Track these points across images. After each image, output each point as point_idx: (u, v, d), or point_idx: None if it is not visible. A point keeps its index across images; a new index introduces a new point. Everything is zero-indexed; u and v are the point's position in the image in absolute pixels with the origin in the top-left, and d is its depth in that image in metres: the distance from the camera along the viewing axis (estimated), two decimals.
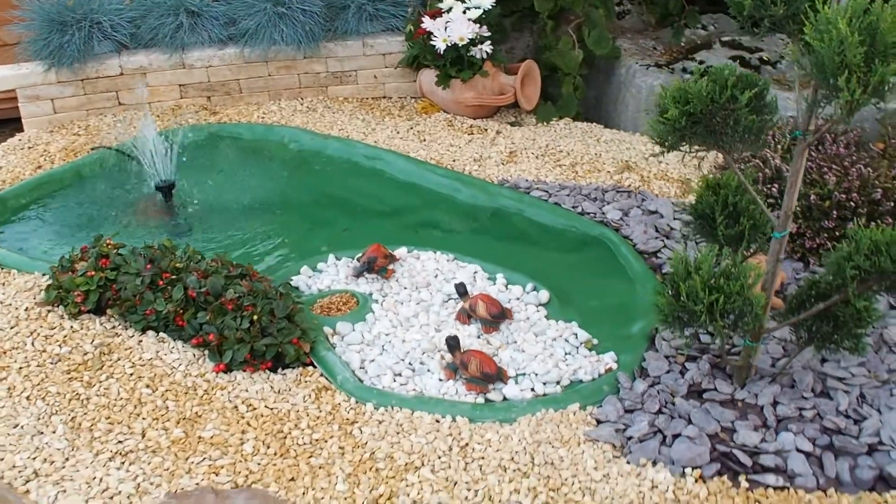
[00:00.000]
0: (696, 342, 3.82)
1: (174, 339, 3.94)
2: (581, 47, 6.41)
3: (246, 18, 6.39)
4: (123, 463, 3.26)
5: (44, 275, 4.35)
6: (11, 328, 3.99)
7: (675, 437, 3.35)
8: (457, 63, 6.23)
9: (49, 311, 4.10)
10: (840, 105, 2.78)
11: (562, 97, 6.39)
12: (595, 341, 4.04)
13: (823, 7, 2.80)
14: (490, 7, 6.21)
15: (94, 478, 3.19)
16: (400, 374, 3.82)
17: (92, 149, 5.75)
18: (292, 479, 3.20)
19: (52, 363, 3.78)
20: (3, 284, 4.33)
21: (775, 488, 3.14)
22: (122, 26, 6.29)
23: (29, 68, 6.12)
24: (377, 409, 3.55)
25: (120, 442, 3.37)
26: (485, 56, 6.19)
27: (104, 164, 5.62)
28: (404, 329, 4.11)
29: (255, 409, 3.55)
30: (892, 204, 4.36)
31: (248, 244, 4.94)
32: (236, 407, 3.55)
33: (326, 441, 3.38)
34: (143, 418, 3.49)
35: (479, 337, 4.06)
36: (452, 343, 3.81)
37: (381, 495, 3.12)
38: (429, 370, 3.85)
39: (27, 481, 3.18)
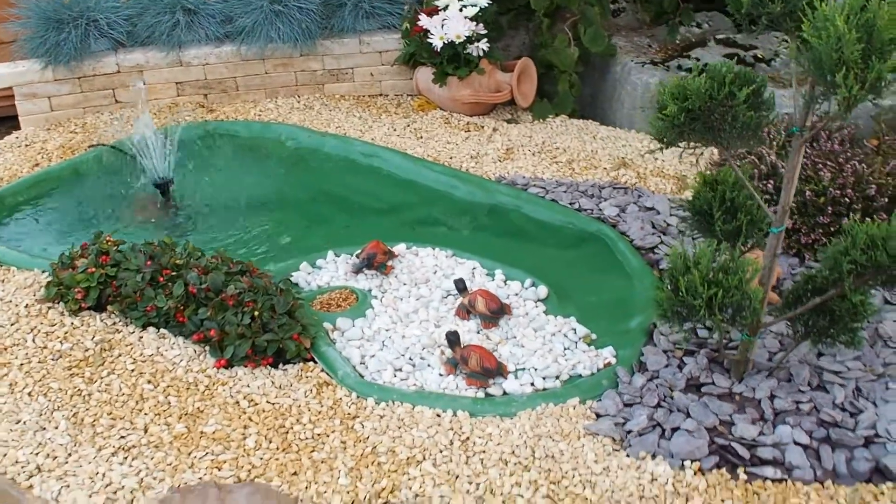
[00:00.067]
0: (694, 337, 3.85)
1: (175, 336, 3.96)
2: (577, 45, 6.43)
3: (242, 16, 6.40)
4: (126, 458, 3.28)
5: (43, 272, 4.36)
6: (12, 325, 4.01)
7: (674, 430, 3.38)
8: (453, 60, 6.25)
9: (49, 308, 4.11)
10: (838, 101, 2.81)
11: (558, 94, 6.42)
12: (594, 336, 4.07)
13: (821, 4, 2.83)
14: (486, 5, 6.23)
15: (98, 473, 3.21)
16: (400, 370, 3.84)
17: (89, 146, 5.76)
18: (295, 474, 3.22)
19: (53, 359, 3.80)
20: (3, 281, 4.34)
21: (773, 480, 3.18)
22: (118, 24, 6.29)
23: (26, 66, 6.13)
24: (378, 403, 3.58)
25: (122, 437, 3.39)
26: (481, 54, 6.22)
27: (102, 161, 5.63)
28: (404, 325, 4.13)
29: (256, 404, 3.57)
30: (887, 200, 4.39)
31: (246, 241, 4.96)
32: (238, 402, 3.58)
33: (328, 436, 3.40)
34: (146, 414, 3.51)
35: (478, 332, 4.09)
36: (452, 338, 3.83)
37: (383, 489, 3.14)
38: (429, 365, 3.87)
39: (30, 476, 3.20)
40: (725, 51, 6.46)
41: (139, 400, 3.58)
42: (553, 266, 4.64)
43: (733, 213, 3.51)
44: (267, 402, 3.58)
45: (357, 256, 4.58)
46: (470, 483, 3.18)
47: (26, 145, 5.87)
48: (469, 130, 6.08)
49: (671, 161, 5.54)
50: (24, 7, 6.21)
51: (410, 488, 3.15)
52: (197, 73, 6.43)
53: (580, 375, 3.82)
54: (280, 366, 3.83)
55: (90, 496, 3.10)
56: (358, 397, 3.62)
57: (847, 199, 4.36)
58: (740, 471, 3.22)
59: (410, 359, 3.92)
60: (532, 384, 3.76)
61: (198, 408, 3.54)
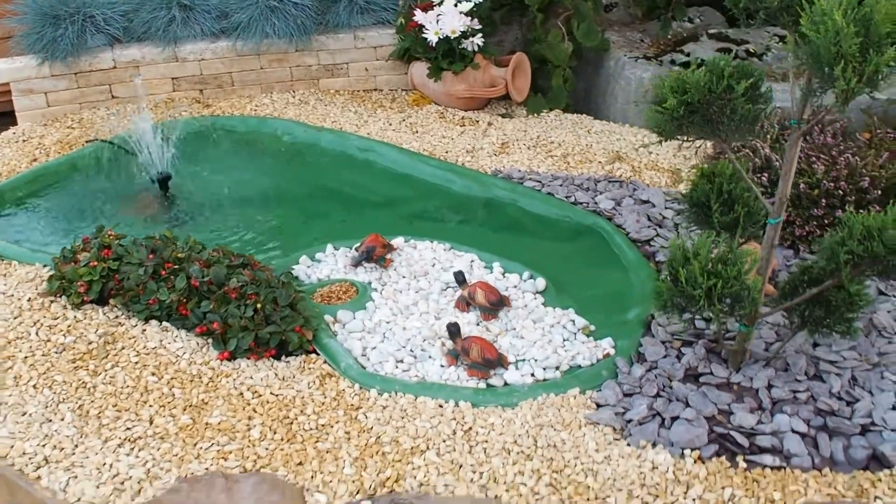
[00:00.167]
0: (692, 328, 3.89)
1: (177, 328, 3.98)
2: (570, 40, 6.48)
3: (238, 12, 6.43)
4: (133, 449, 3.31)
5: (44, 266, 4.39)
6: (15, 318, 4.03)
7: (674, 419, 3.43)
8: (448, 55, 6.29)
9: (52, 302, 4.14)
10: (836, 94, 2.86)
11: (552, 89, 6.46)
12: (592, 327, 4.12)
13: None
14: (480, 0, 6.27)
15: (105, 464, 3.24)
16: (402, 361, 3.88)
17: (87, 142, 5.78)
18: (300, 464, 3.26)
19: (56, 352, 3.82)
20: (5, 276, 4.36)
21: (772, 468, 3.22)
22: (114, 20, 6.31)
23: (22, 62, 6.14)
24: (381, 394, 3.62)
25: (128, 429, 3.42)
26: (476, 49, 6.26)
27: (100, 156, 5.65)
28: (404, 317, 4.17)
29: (260, 395, 3.60)
30: (880, 192, 4.45)
31: (245, 235, 4.99)
32: (242, 394, 3.61)
33: (332, 426, 3.44)
34: (150, 405, 3.54)
35: (478, 324, 4.13)
36: (453, 330, 3.87)
37: (388, 478, 3.18)
38: (430, 357, 3.91)
39: (38, 468, 3.23)
40: (718, 45, 6.51)
41: (144, 392, 3.61)
42: (550, 259, 4.69)
43: (730, 205, 3.55)
44: (271, 393, 3.61)
45: (356, 250, 4.61)
46: (473, 472, 3.22)
47: (24, 141, 5.89)
48: (464, 125, 6.12)
49: (665, 155, 5.59)
50: (20, 3, 6.22)
51: (415, 477, 3.19)
52: (193, 68, 6.46)
53: (580, 366, 3.86)
54: (283, 358, 3.86)
55: (98, 487, 3.14)
56: (361, 388, 3.65)
57: (841, 192, 4.42)
58: (739, 459, 3.27)
59: (411, 350, 3.95)
60: (532, 375, 3.80)
61: (202, 399, 3.57)
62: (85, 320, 4.02)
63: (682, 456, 3.29)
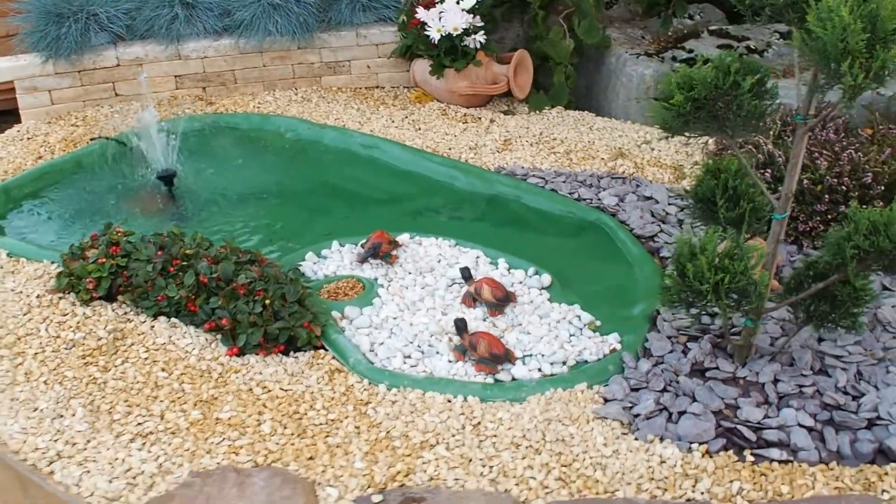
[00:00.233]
0: (697, 323, 3.92)
1: (186, 325, 4.01)
2: (571, 37, 6.50)
3: (241, 10, 6.44)
4: (144, 444, 3.34)
5: (53, 263, 4.41)
6: (24, 315, 4.05)
7: (681, 414, 3.45)
8: (451, 53, 6.31)
9: (61, 298, 4.16)
10: (843, 90, 2.88)
11: (553, 86, 6.48)
12: (598, 323, 4.14)
13: None
14: None
15: (117, 458, 3.26)
16: (409, 357, 3.90)
17: (91, 139, 5.80)
18: (311, 458, 3.28)
19: (66, 349, 3.85)
20: (14, 273, 4.38)
21: (780, 462, 3.25)
22: (118, 18, 6.32)
23: (27, 60, 6.15)
24: (390, 389, 3.64)
25: (139, 424, 3.44)
26: (478, 46, 6.28)
27: (105, 154, 5.66)
28: (411, 313, 4.19)
29: (270, 391, 3.63)
30: (883, 188, 4.47)
31: (250, 231, 5.01)
32: (251, 389, 3.63)
33: (342, 421, 3.46)
34: (161, 401, 3.56)
35: (484, 320, 4.15)
36: (461, 325, 3.90)
37: (398, 472, 3.20)
38: (438, 352, 3.94)
39: (51, 462, 3.25)
40: (719, 42, 6.52)
41: (154, 387, 3.63)
42: (555, 255, 4.71)
43: (736, 201, 3.58)
44: (280, 388, 3.64)
45: (362, 246, 4.63)
46: (483, 466, 3.24)
47: (28, 138, 5.90)
48: (467, 122, 6.14)
49: (668, 151, 5.62)
50: (24, 1, 6.24)
51: (425, 471, 3.21)
52: (195, 66, 6.47)
53: (586, 361, 3.88)
54: (291, 353, 3.88)
55: (110, 481, 3.16)
56: (370, 383, 3.68)
57: (844, 188, 4.44)
58: (747, 453, 3.29)
59: (419, 346, 3.98)
60: (539, 370, 3.83)
61: (212, 395, 3.60)
62: (94, 317, 4.04)
63: (690, 450, 3.32)
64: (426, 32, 6.25)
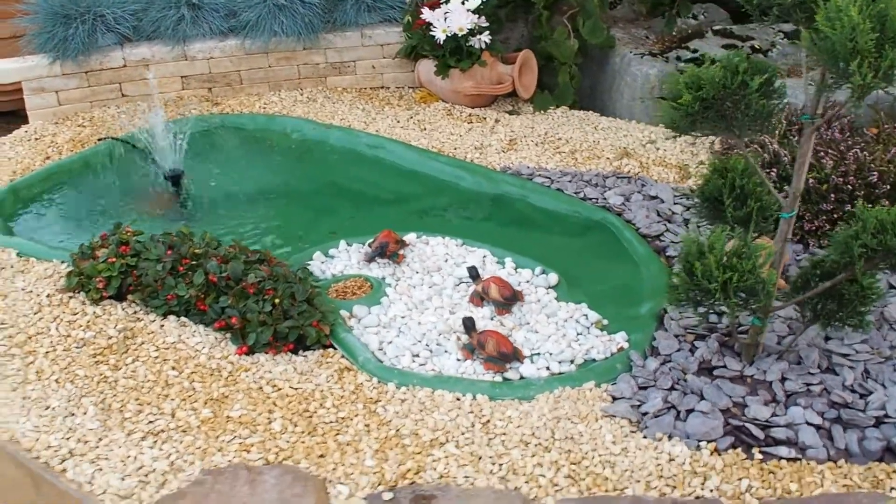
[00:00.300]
0: (705, 322, 3.93)
1: (195, 324, 4.03)
2: (576, 37, 6.52)
3: (246, 10, 6.47)
4: (156, 442, 3.35)
5: (62, 262, 4.42)
6: (35, 314, 4.07)
7: (689, 412, 3.47)
8: (456, 53, 6.33)
9: (70, 298, 4.17)
10: (852, 89, 2.90)
11: (558, 86, 6.50)
12: (605, 322, 4.16)
13: None
14: None
15: (129, 456, 3.28)
16: (418, 355, 3.92)
17: (99, 140, 5.81)
18: (322, 456, 3.30)
19: (77, 347, 3.86)
20: (24, 272, 4.40)
21: (788, 460, 3.27)
22: (124, 19, 6.34)
23: (34, 61, 6.17)
24: (399, 388, 3.66)
25: (151, 422, 3.46)
26: (483, 46, 6.30)
27: (112, 154, 5.69)
28: (419, 312, 4.21)
29: (279, 389, 3.64)
30: (889, 187, 4.49)
31: (258, 231, 5.03)
32: (261, 388, 3.65)
33: (352, 419, 3.48)
34: (172, 399, 3.58)
35: (492, 319, 4.17)
36: (469, 324, 3.92)
37: (408, 470, 3.22)
38: (446, 351, 3.96)
39: (63, 460, 3.27)
40: (723, 42, 6.54)
41: (165, 386, 3.65)
42: (561, 254, 4.73)
43: (743, 200, 3.59)
44: (290, 387, 3.65)
45: (370, 245, 4.65)
46: (493, 464, 3.26)
47: (36, 139, 5.92)
48: (472, 122, 6.17)
49: (673, 151, 5.64)
50: (32, 2, 6.26)
51: (435, 469, 3.23)
52: (202, 66, 6.50)
53: (594, 360, 3.90)
54: (300, 352, 3.90)
55: (123, 479, 3.18)
56: (379, 382, 3.70)
57: (849, 187, 4.46)
58: (755, 451, 3.31)
59: (427, 345, 3.99)
60: (548, 368, 3.85)
61: (222, 393, 3.62)
62: (104, 316, 4.06)
63: (699, 448, 3.33)
64: (431, 33, 6.27)
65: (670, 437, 3.38)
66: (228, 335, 3.93)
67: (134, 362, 3.78)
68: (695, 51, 6.43)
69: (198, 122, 6.01)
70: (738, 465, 3.25)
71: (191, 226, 4.83)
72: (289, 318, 3.86)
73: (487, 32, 6.29)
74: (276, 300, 3.88)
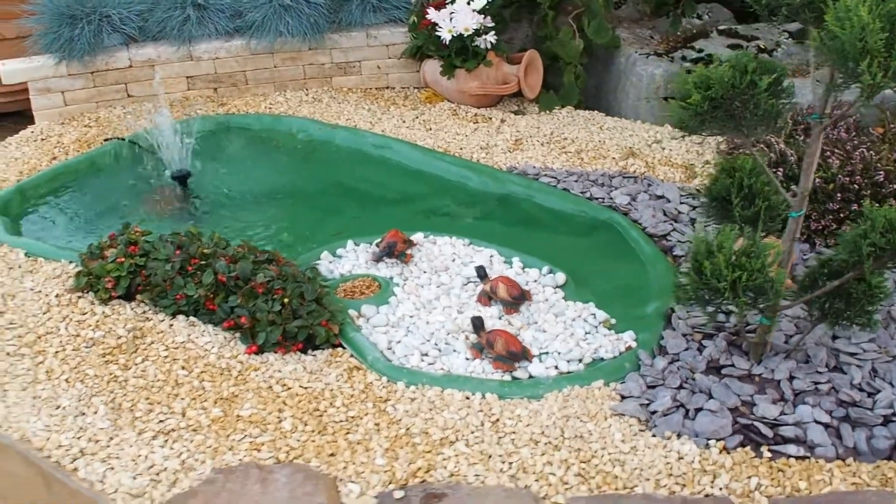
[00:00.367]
0: (713, 321, 3.94)
1: (204, 323, 4.04)
2: (581, 37, 6.53)
3: (252, 11, 6.48)
4: (167, 441, 3.37)
5: (70, 262, 4.43)
6: (44, 314, 4.08)
7: (698, 410, 3.48)
8: (461, 53, 6.35)
9: (79, 298, 4.19)
10: (861, 88, 2.91)
11: (563, 86, 6.51)
12: (613, 321, 4.17)
13: None
14: None
15: (140, 455, 3.29)
16: (427, 354, 3.93)
17: (105, 140, 5.83)
18: (332, 455, 3.31)
19: (86, 347, 3.88)
20: (32, 272, 4.41)
21: (797, 458, 3.28)
22: (130, 19, 6.36)
23: (40, 61, 6.18)
24: (408, 387, 3.67)
25: (161, 421, 3.47)
26: (489, 46, 6.31)
27: (119, 154, 5.70)
28: (427, 311, 4.22)
29: (289, 388, 3.65)
30: (895, 186, 4.50)
31: (265, 231, 5.04)
32: (271, 387, 3.66)
33: (362, 418, 3.49)
34: (182, 398, 3.59)
35: (500, 318, 4.18)
36: (477, 323, 3.93)
37: (419, 468, 3.23)
38: (455, 350, 3.97)
39: (74, 459, 3.28)
40: (728, 42, 6.55)
41: (174, 385, 3.66)
42: (567, 253, 4.74)
43: (751, 199, 3.61)
44: (300, 386, 3.66)
45: (377, 245, 4.66)
46: (503, 462, 3.27)
47: (42, 139, 5.93)
48: (477, 122, 6.18)
49: (678, 150, 5.65)
50: (38, 3, 6.27)
51: (446, 467, 3.24)
52: (207, 67, 6.51)
53: (602, 359, 3.91)
54: (309, 351, 3.91)
55: (134, 478, 3.19)
56: (388, 381, 3.71)
57: (856, 186, 4.47)
58: (764, 449, 3.32)
59: (436, 344, 4.00)
60: (556, 367, 3.85)
61: (232, 392, 3.63)
62: (113, 315, 4.07)
63: (707, 446, 3.34)
64: (437, 33, 6.28)
65: (679, 436, 3.39)
66: (237, 335, 3.94)
67: (143, 362, 3.79)
68: (700, 50, 6.44)
69: (204, 123, 6.02)
70: (747, 463, 3.26)
71: (198, 226, 4.85)
72: (298, 318, 3.88)
73: (493, 32, 6.30)
74: (286, 300, 3.89)
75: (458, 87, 6.38)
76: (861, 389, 3.55)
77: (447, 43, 6.28)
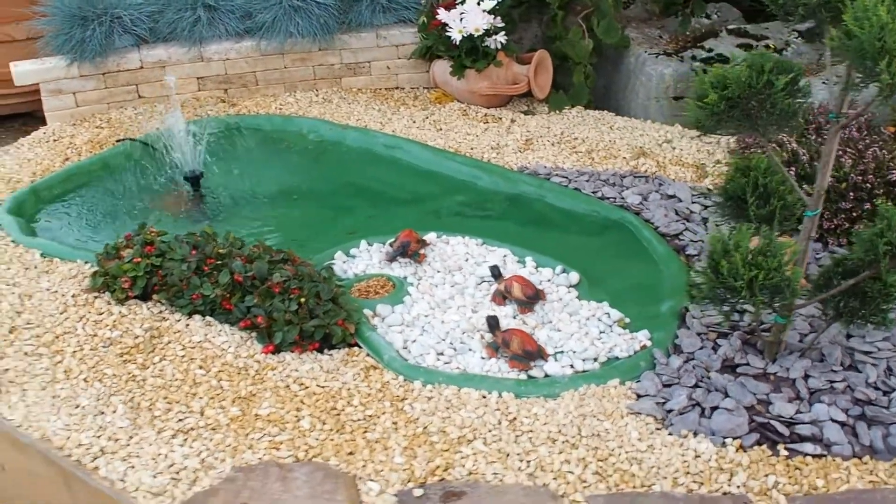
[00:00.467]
0: (728, 320, 3.95)
1: (221, 323, 4.05)
2: (590, 37, 6.54)
3: (262, 12, 6.50)
4: (186, 440, 3.38)
5: (86, 262, 4.45)
6: (61, 314, 4.10)
7: (714, 409, 3.49)
8: (471, 53, 6.36)
9: (96, 298, 4.20)
10: (880, 88, 2.93)
11: (573, 86, 6.52)
12: (627, 320, 4.18)
13: None
14: None
15: (160, 454, 3.30)
16: (443, 353, 3.95)
17: (118, 141, 5.85)
18: (351, 453, 3.32)
19: (104, 347, 3.89)
20: (48, 272, 4.43)
21: (813, 456, 3.29)
22: (141, 21, 6.38)
23: (52, 63, 6.21)
24: (425, 386, 3.68)
25: (180, 420, 3.48)
26: (499, 46, 6.33)
27: (131, 155, 5.72)
28: (442, 311, 4.24)
29: (307, 387, 3.67)
30: None
31: (277, 231, 5.06)
32: (288, 386, 3.68)
33: (379, 417, 3.51)
34: (200, 397, 3.60)
35: (514, 317, 4.19)
36: (493, 322, 3.95)
37: (437, 467, 3.25)
38: (470, 349, 3.98)
39: (94, 458, 3.29)
40: (738, 41, 6.55)
41: (193, 384, 3.68)
42: (580, 253, 4.75)
43: (766, 199, 3.62)
44: (317, 385, 3.68)
45: (391, 245, 4.68)
46: (521, 461, 3.28)
47: (55, 140, 5.96)
48: (487, 122, 6.19)
49: (689, 150, 5.66)
50: (49, 5, 6.30)
51: (464, 466, 3.25)
52: (217, 67, 6.53)
53: (617, 358, 3.93)
54: (325, 351, 3.93)
55: (155, 476, 3.20)
56: (405, 380, 3.72)
57: (868, 185, 4.48)
58: (780, 447, 3.33)
59: (451, 343, 4.02)
60: (572, 366, 3.87)
61: (250, 391, 3.64)
62: (130, 315, 4.09)
63: (724, 445, 3.35)
64: (447, 33, 6.30)
65: (695, 434, 3.40)
66: (254, 334, 3.96)
67: (161, 361, 3.81)
68: (710, 50, 6.45)
69: (215, 123, 6.04)
70: (764, 461, 3.27)
71: (212, 226, 4.87)
72: (314, 317, 3.89)
73: (503, 33, 6.32)
74: (302, 299, 3.91)
75: (468, 88, 6.40)
76: (876, 388, 3.56)
77: (457, 43, 6.29)
